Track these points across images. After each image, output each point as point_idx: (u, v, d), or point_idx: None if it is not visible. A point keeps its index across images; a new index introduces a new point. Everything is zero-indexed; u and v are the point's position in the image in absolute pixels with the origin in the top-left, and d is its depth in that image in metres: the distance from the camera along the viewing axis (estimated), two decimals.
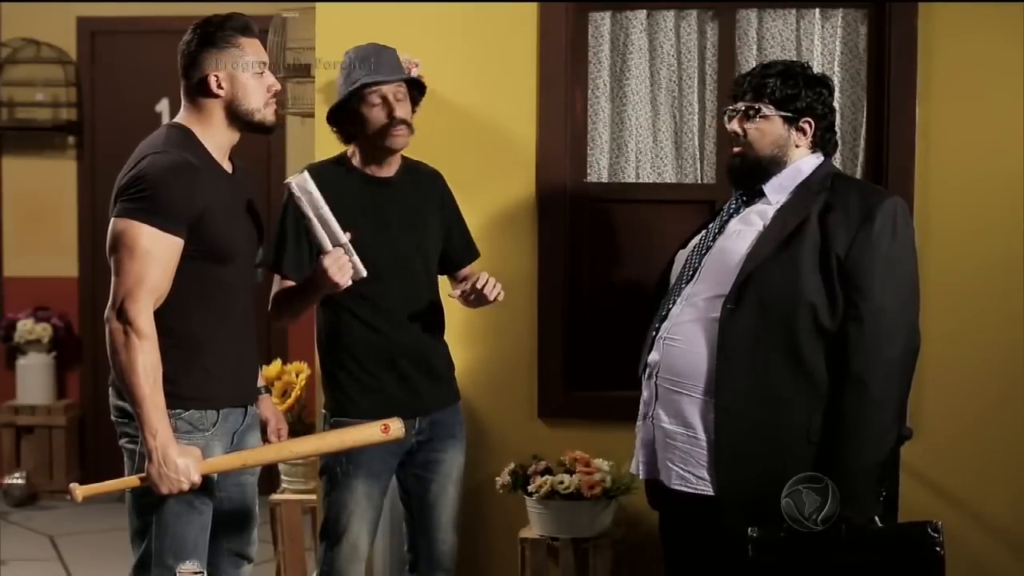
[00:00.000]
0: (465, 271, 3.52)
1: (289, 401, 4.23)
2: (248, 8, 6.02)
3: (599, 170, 3.98)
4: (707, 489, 2.90)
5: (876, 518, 2.80)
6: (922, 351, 3.68)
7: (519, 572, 3.72)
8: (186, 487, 2.74)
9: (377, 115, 3.27)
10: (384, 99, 3.27)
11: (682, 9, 3.94)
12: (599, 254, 3.96)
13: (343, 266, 2.96)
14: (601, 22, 3.96)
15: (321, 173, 3.28)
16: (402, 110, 3.28)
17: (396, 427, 2.98)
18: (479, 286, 3.22)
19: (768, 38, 3.91)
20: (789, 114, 2.98)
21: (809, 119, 2.99)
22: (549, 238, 3.88)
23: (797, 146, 3.00)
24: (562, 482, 3.61)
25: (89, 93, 6.48)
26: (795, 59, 3.64)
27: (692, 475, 2.92)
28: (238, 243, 2.91)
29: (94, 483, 2.82)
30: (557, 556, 3.67)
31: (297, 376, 4.27)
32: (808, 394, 2.84)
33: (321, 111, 3.93)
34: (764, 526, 2.73)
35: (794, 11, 3.90)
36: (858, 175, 3.82)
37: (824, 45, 3.89)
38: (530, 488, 3.65)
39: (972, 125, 3.73)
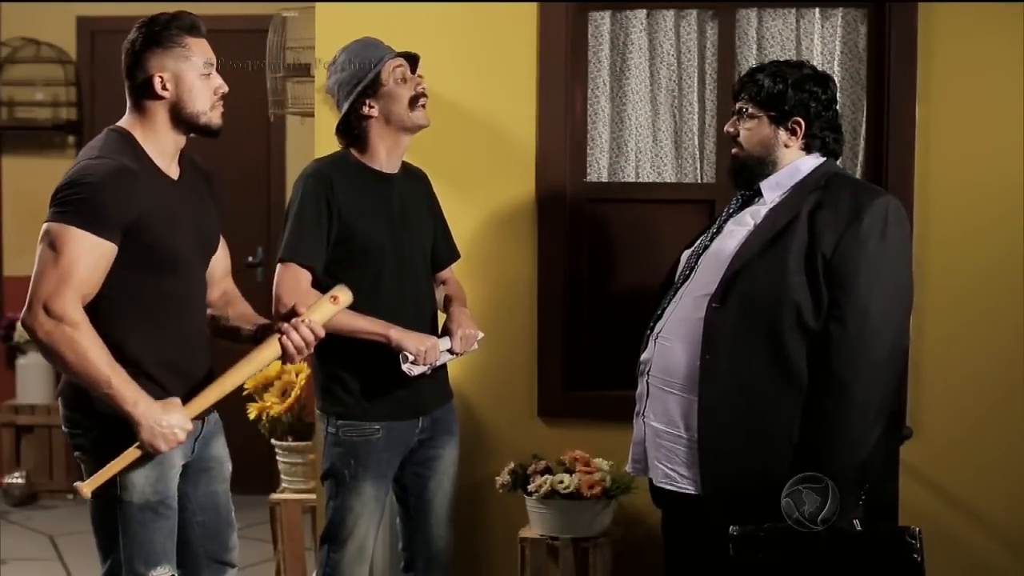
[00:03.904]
0: (446, 273, 3.53)
1: (289, 401, 4.22)
2: (248, 8, 6.05)
3: (599, 170, 3.98)
4: (690, 488, 2.91)
5: (856, 520, 2.78)
6: (922, 351, 3.71)
7: (519, 572, 3.72)
8: (183, 437, 2.72)
9: (403, 89, 3.28)
10: (405, 76, 3.30)
11: (682, 9, 3.94)
12: (599, 253, 3.96)
13: (431, 349, 3.21)
14: (601, 22, 3.96)
15: (333, 167, 3.29)
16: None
17: (344, 296, 2.95)
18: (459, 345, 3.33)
19: (768, 38, 3.91)
20: (775, 114, 2.98)
21: (799, 119, 2.98)
22: (549, 237, 3.88)
23: (787, 146, 3.00)
24: (562, 481, 3.61)
25: (89, 93, 6.48)
26: (795, 59, 3.63)
27: (676, 473, 2.93)
28: (181, 251, 2.82)
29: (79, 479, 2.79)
30: (557, 556, 3.67)
31: (297, 376, 4.26)
32: (792, 394, 2.83)
33: (321, 111, 3.93)
34: (746, 525, 2.72)
35: (794, 11, 3.90)
36: (858, 175, 3.82)
37: (824, 45, 3.89)
38: (530, 488, 3.65)
39: (972, 125, 3.73)
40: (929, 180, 3.74)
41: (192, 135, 2.86)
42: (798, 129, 2.99)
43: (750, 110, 3.01)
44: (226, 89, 2.86)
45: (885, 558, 2.70)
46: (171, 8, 2.91)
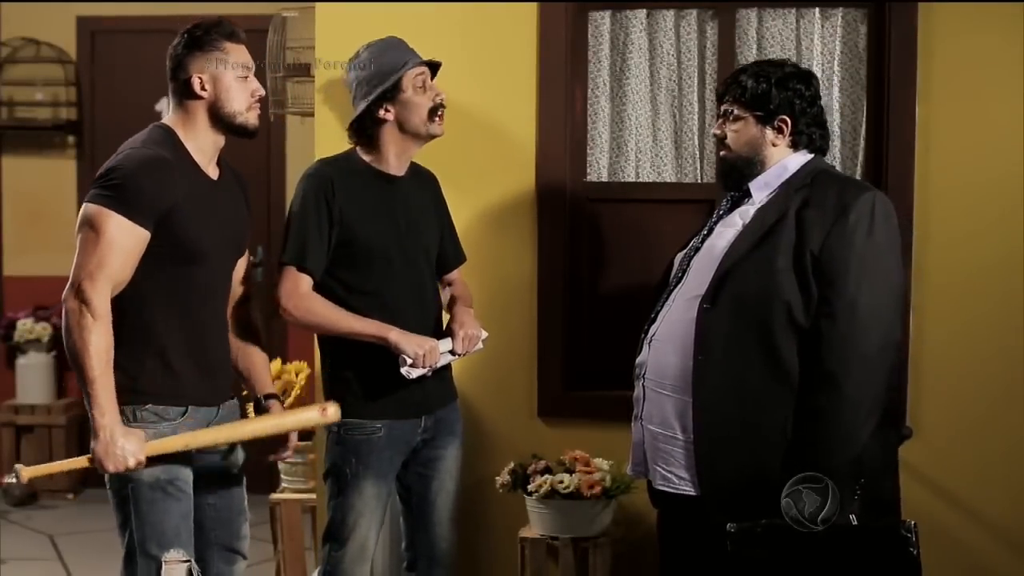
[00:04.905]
0: (453, 275, 3.53)
1: (289, 401, 4.23)
2: (248, 8, 6.05)
3: (599, 170, 3.98)
4: (688, 489, 2.92)
5: (852, 516, 2.78)
6: (922, 351, 3.71)
7: (519, 572, 3.72)
8: (132, 464, 2.75)
9: (422, 99, 3.28)
10: (425, 83, 3.30)
11: (682, 9, 3.94)
12: (599, 253, 3.96)
13: (430, 351, 3.20)
14: (601, 21, 3.96)
15: (336, 168, 3.29)
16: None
17: (333, 411, 3.05)
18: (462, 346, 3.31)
19: (768, 38, 3.91)
20: (761, 113, 2.99)
21: (785, 117, 2.99)
22: (549, 237, 3.88)
23: (774, 145, 3.01)
24: (562, 481, 3.61)
25: (89, 93, 6.48)
26: (791, 59, 3.63)
27: (674, 475, 2.94)
28: (211, 245, 2.92)
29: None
30: (557, 556, 3.67)
31: (297, 376, 4.27)
32: (785, 392, 2.84)
33: (321, 111, 3.93)
34: (743, 522, 2.72)
35: (794, 11, 3.90)
36: (858, 175, 3.82)
37: (824, 45, 3.89)
38: (530, 487, 3.65)
39: (972, 125, 3.73)
40: (929, 180, 3.74)
41: (230, 135, 2.98)
42: (784, 127, 3.00)
43: (736, 111, 3.02)
44: (263, 92, 3.00)
45: (881, 552, 2.70)
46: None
